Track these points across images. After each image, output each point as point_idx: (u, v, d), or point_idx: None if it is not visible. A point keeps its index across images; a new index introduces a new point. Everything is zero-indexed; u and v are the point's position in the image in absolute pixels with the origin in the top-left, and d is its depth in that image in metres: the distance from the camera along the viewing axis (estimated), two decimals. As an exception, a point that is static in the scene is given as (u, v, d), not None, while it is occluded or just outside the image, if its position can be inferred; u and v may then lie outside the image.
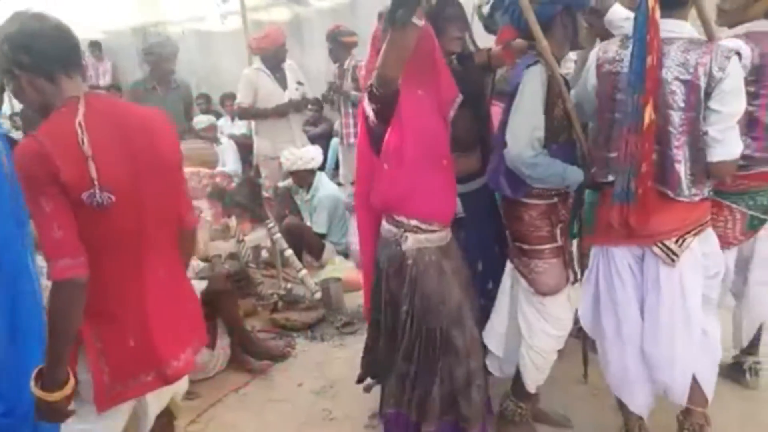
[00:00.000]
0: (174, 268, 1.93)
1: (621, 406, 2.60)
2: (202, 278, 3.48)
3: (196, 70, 9.30)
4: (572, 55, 2.83)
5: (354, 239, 5.18)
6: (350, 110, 5.67)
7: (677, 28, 2.23)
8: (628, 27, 2.57)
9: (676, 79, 2.18)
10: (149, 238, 1.79)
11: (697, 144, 2.22)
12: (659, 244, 2.30)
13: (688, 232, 2.29)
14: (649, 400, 2.51)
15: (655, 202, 2.24)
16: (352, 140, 5.69)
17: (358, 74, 5.57)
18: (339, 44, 5.72)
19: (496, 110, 2.96)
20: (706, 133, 2.21)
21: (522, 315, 2.66)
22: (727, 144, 2.21)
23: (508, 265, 2.72)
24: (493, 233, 2.93)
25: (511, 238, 2.69)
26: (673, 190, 2.25)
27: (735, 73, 2.16)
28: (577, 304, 2.67)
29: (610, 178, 2.35)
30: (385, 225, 2.42)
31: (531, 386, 2.74)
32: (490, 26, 2.94)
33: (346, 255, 5.21)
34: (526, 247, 2.59)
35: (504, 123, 2.50)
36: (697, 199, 2.27)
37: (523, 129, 2.40)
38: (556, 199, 2.55)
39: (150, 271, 1.81)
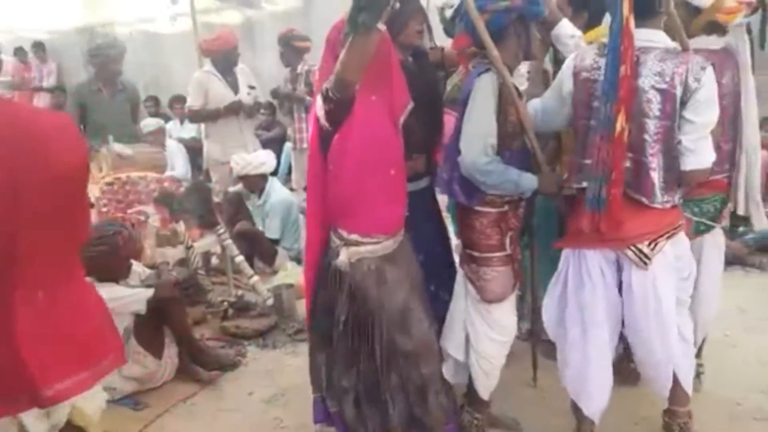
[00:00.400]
0: (62, 288, 1.83)
1: (575, 410, 2.61)
2: (148, 286, 3.39)
3: (145, 72, 9.12)
4: (524, 69, 2.84)
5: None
6: (303, 115, 5.63)
7: (653, 37, 2.28)
8: (573, 45, 2.62)
9: (653, 87, 2.22)
10: (23, 256, 1.70)
11: (671, 152, 2.27)
12: (632, 248, 2.33)
13: (661, 236, 2.33)
14: (604, 405, 2.54)
15: (628, 209, 2.27)
16: (304, 145, 5.64)
17: (312, 79, 5.53)
18: (291, 48, 5.66)
19: (449, 119, 2.97)
20: (680, 143, 2.25)
21: (470, 321, 2.67)
22: (699, 153, 2.26)
23: (460, 271, 2.73)
24: (435, 234, 2.95)
25: (462, 245, 2.70)
26: (647, 197, 2.29)
27: (709, 84, 2.22)
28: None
29: (584, 184, 2.37)
30: (331, 233, 2.40)
31: (484, 393, 2.75)
32: (449, 30, 2.95)
33: (299, 261, 5.14)
34: (476, 254, 2.61)
35: (458, 131, 2.51)
36: (668, 205, 2.32)
37: (476, 136, 2.42)
38: (506, 208, 2.56)
39: (23, 293, 1.72)
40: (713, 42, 2.45)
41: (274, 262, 5.08)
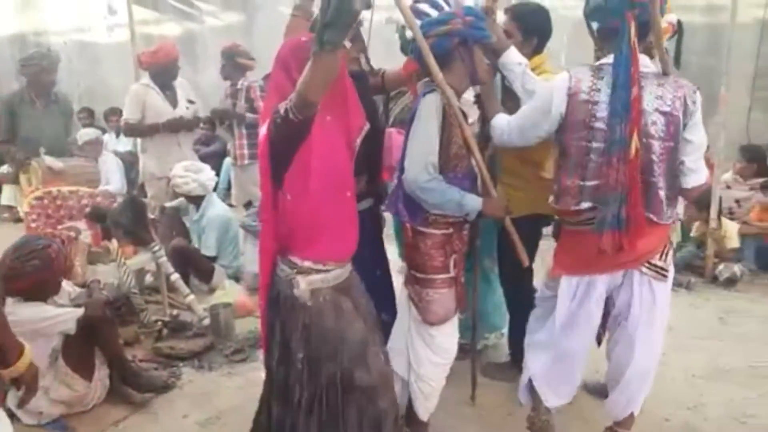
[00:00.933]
0: None
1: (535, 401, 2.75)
2: (78, 305, 3.27)
3: (79, 82, 8.88)
4: (470, 95, 2.89)
5: (247, 262, 5.07)
6: (243, 131, 5.54)
7: (645, 62, 2.40)
8: (519, 72, 2.67)
9: (656, 110, 2.35)
10: None
11: (673, 171, 2.42)
12: (647, 264, 2.46)
13: (666, 249, 2.51)
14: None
15: (643, 227, 2.39)
16: (246, 162, 5.57)
17: (251, 95, 5.50)
18: (234, 63, 5.59)
19: (398, 138, 2.99)
20: (682, 163, 2.42)
21: (411, 344, 2.67)
22: (699, 171, 2.47)
23: (404, 292, 2.73)
24: (376, 256, 2.95)
25: (407, 266, 2.70)
26: (657, 214, 2.42)
27: (700, 106, 2.40)
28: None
29: (584, 205, 2.43)
30: (279, 262, 2.28)
31: (423, 414, 2.76)
32: (406, 49, 2.96)
33: (237, 279, 5.07)
34: (420, 275, 2.61)
35: (403, 150, 2.53)
36: (671, 221, 2.49)
37: (418, 154, 2.44)
38: (451, 230, 2.58)
39: None
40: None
41: (211, 280, 4.97)
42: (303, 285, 2.22)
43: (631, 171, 2.31)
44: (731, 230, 5.17)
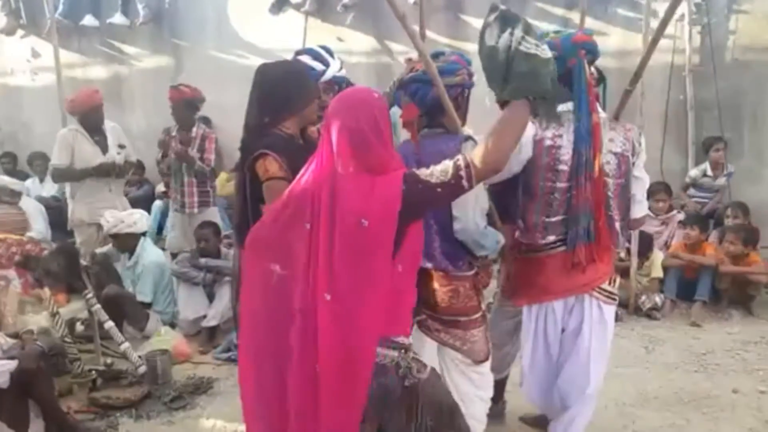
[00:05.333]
0: None
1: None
2: (10, 357, 3.16)
3: (2, 126, 8.60)
4: None
5: (182, 308, 4.98)
6: (194, 179, 5.37)
7: (597, 108, 2.64)
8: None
9: (609, 151, 2.64)
10: None
11: (625, 204, 2.72)
12: (597, 290, 2.71)
13: (613, 276, 2.78)
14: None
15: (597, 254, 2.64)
16: (195, 210, 5.42)
17: (207, 145, 5.37)
18: (193, 109, 5.38)
19: None
20: (633, 195, 2.76)
21: (454, 388, 2.63)
22: (643, 203, 2.84)
23: (430, 344, 2.68)
24: None
25: (441, 315, 2.64)
26: (614, 244, 2.70)
27: (644, 146, 2.74)
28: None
29: (550, 238, 2.64)
30: (378, 348, 1.96)
31: None
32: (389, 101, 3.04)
33: (173, 325, 4.98)
34: (462, 318, 2.64)
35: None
36: (621, 247, 2.80)
37: (475, 201, 2.51)
38: (477, 268, 2.67)
39: None
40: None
41: (146, 327, 4.87)
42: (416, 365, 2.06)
43: (597, 187, 2.57)
44: (657, 260, 5.47)
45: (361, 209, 1.89)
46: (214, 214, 5.61)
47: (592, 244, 2.61)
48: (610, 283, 2.74)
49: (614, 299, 2.78)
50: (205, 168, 5.34)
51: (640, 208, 2.82)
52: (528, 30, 2.05)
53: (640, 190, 2.79)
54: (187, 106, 5.32)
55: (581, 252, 2.61)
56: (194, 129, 5.42)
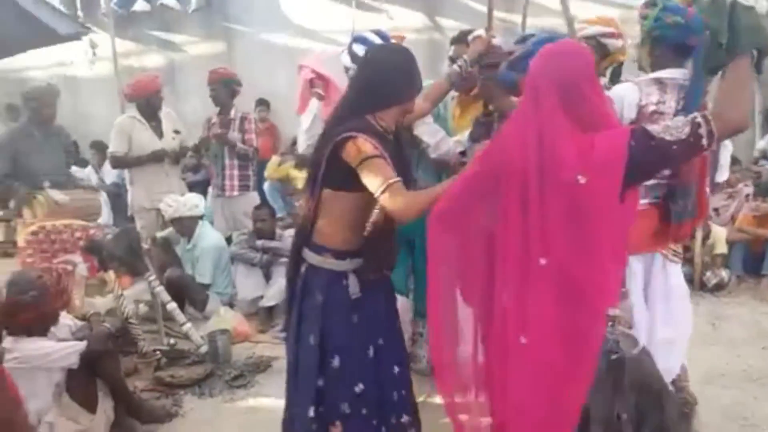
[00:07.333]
0: None
1: None
2: (80, 338, 3.26)
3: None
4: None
5: (240, 289, 5.08)
6: (235, 162, 5.48)
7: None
8: None
9: None
10: None
11: (713, 171, 2.78)
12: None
13: None
14: None
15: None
16: (235, 193, 5.54)
17: (246, 126, 5.47)
18: (231, 91, 5.47)
19: None
20: (718, 161, 2.79)
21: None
22: (725, 167, 2.88)
23: None
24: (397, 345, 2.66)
25: None
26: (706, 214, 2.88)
27: None
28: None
29: (644, 201, 2.57)
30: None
31: None
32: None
33: (231, 305, 5.08)
34: None
35: None
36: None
37: None
38: None
39: None
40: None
41: (206, 308, 4.98)
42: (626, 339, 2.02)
43: (702, 163, 2.55)
44: (720, 236, 5.29)
45: (577, 165, 1.78)
46: (255, 198, 5.69)
47: (695, 218, 2.65)
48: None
49: (678, 259, 2.82)
50: (247, 149, 5.42)
51: (722, 173, 2.85)
52: None
53: (725, 155, 2.82)
54: (224, 85, 5.41)
55: (688, 227, 2.66)
56: (233, 111, 5.51)
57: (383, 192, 2.15)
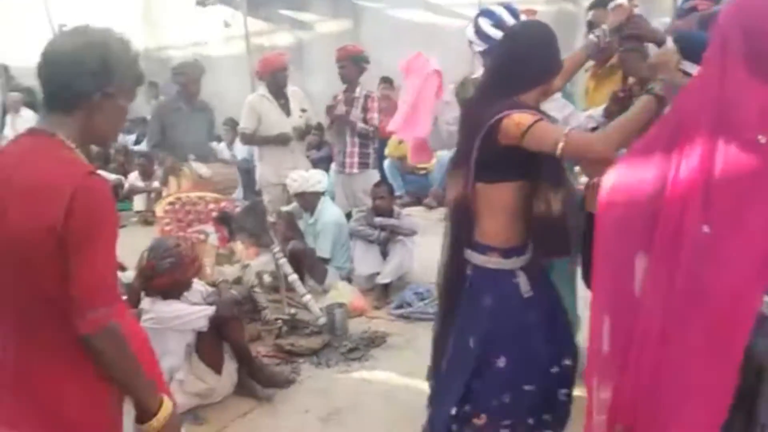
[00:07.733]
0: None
1: None
2: (210, 303, 3.49)
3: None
4: None
5: (357, 265, 5.20)
6: (356, 140, 5.60)
7: None
8: None
9: None
10: None
11: None
12: None
13: None
14: None
15: None
16: (355, 170, 5.66)
17: (369, 105, 5.55)
18: (359, 68, 5.54)
19: None
20: None
21: None
22: None
23: None
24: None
25: None
26: None
27: None
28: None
29: None
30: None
31: None
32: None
33: (349, 280, 5.22)
34: None
35: None
36: None
37: None
38: None
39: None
40: None
41: (325, 281, 5.14)
42: None
43: None
44: None
45: (758, 123, 1.60)
46: (374, 176, 5.77)
47: None
48: None
49: None
50: (368, 129, 5.50)
51: None
52: None
53: None
54: (354, 62, 5.48)
55: None
56: (358, 89, 5.58)
57: (564, 144, 2.03)
